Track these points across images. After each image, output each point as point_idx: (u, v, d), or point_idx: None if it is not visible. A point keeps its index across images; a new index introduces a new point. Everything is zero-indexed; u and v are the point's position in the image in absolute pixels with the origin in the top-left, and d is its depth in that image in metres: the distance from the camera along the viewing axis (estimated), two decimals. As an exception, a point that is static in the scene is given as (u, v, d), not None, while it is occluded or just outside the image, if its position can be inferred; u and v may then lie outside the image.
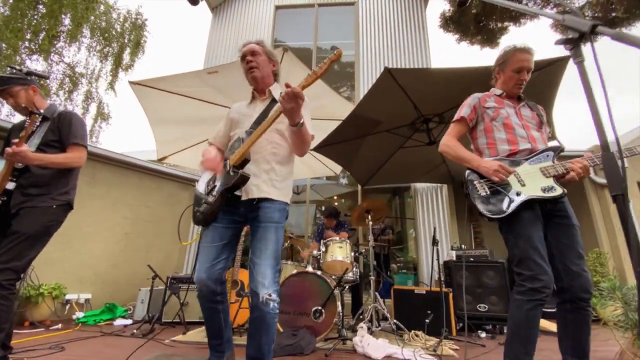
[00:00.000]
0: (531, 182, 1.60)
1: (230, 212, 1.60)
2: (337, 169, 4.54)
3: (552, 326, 3.64)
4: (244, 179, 1.50)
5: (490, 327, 3.44)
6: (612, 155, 0.70)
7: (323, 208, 8.12)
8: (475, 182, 1.71)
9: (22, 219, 1.79)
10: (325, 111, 3.65)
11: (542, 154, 1.66)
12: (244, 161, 1.52)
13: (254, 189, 1.55)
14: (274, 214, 1.55)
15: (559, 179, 1.58)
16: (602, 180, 4.69)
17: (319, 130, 3.78)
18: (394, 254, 6.04)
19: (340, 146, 3.83)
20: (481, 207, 1.66)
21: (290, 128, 1.46)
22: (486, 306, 3.44)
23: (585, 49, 0.83)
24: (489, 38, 6.61)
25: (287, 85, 1.30)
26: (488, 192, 1.66)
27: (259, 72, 1.69)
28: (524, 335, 1.52)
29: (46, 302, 3.28)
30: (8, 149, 1.71)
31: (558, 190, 1.54)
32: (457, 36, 6.56)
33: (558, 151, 1.67)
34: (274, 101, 1.68)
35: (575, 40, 0.81)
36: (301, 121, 1.41)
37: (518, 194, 1.58)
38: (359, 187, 5.42)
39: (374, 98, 3.15)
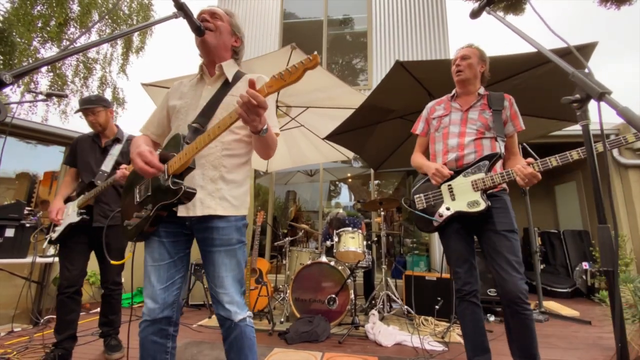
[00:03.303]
0: (461, 196, 1.69)
1: (175, 223, 1.26)
2: (350, 153, 4.54)
3: (561, 309, 3.73)
4: (189, 196, 1.15)
5: (500, 310, 3.57)
6: (606, 230, 0.71)
7: (337, 184, 8.24)
8: (415, 197, 1.86)
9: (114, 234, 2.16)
10: (335, 101, 3.62)
11: (479, 164, 1.68)
12: (187, 169, 1.16)
13: (198, 204, 1.21)
14: (232, 235, 1.25)
15: (490, 190, 1.65)
16: (626, 160, 4.51)
17: (329, 119, 3.79)
18: (407, 228, 6.16)
19: (352, 134, 3.81)
20: (416, 222, 1.86)
21: (251, 134, 1.17)
22: (496, 291, 3.54)
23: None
24: (514, 4, 6.13)
25: (250, 90, 0.98)
26: (424, 206, 1.80)
27: (213, 35, 1.29)
28: (463, 330, 1.75)
29: (84, 288, 3.57)
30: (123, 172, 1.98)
31: (481, 206, 1.61)
32: (477, 4, 6.10)
33: (494, 159, 1.66)
34: (227, 84, 1.32)
35: (583, 100, 0.79)
36: (265, 127, 1.09)
37: (448, 209, 1.71)
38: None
39: (386, 89, 3.08)
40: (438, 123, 1.89)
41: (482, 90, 1.84)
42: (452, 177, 1.74)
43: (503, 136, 1.73)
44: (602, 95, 0.72)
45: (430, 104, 2.01)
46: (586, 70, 0.79)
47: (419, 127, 2.03)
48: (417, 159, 1.98)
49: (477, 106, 1.81)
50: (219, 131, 1.10)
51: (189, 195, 1.16)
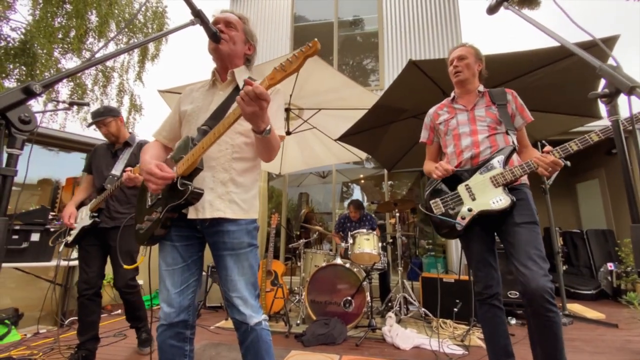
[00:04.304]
0: (481, 195, 1.60)
1: (187, 227, 1.27)
2: (362, 154, 4.52)
3: (586, 311, 3.60)
4: (197, 196, 1.17)
5: (521, 313, 3.47)
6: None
7: (349, 185, 8.22)
8: (431, 202, 1.76)
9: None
10: (347, 102, 3.61)
11: (494, 160, 1.61)
12: (195, 170, 1.17)
13: (207, 207, 1.21)
14: (243, 239, 1.25)
15: (511, 183, 1.57)
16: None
17: (342, 120, 3.78)
18: (422, 229, 6.08)
19: (365, 134, 3.79)
20: (437, 227, 1.75)
21: (253, 134, 1.12)
22: (517, 293, 3.44)
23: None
24: (528, -2, 5.99)
25: (248, 83, 0.97)
26: (443, 211, 1.70)
27: (227, 45, 1.31)
28: (485, 334, 1.70)
29: (106, 290, 3.69)
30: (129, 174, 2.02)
31: (505, 202, 1.52)
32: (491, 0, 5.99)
33: (509, 153, 1.60)
34: (237, 90, 1.31)
35: (612, 94, 0.76)
36: (267, 128, 1.08)
37: (469, 210, 1.61)
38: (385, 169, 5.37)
39: (399, 89, 3.05)
40: (445, 127, 1.83)
41: (481, 88, 1.81)
42: (467, 177, 1.67)
43: (514, 129, 1.69)
44: (632, 89, 0.69)
45: (431, 111, 1.96)
46: (614, 63, 0.76)
47: (423, 136, 2.00)
48: (427, 165, 1.93)
49: (482, 103, 1.77)
50: (223, 129, 1.10)
51: (197, 196, 1.17)
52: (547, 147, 1.49)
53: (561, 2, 1.07)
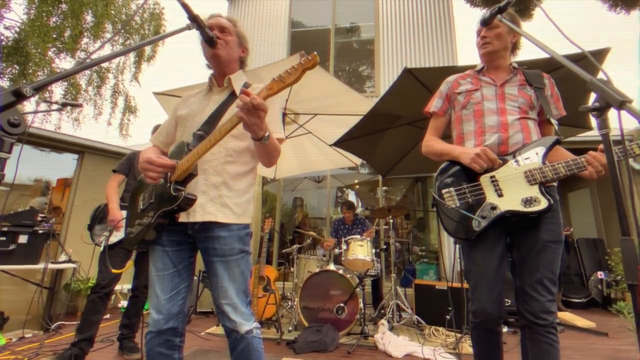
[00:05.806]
0: (511, 192, 1.31)
1: (178, 232, 1.25)
2: (358, 160, 4.54)
3: (577, 320, 3.62)
4: (189, 202, 1.16)
5: (513, 321, 3.48)
6: (630, 242, 0.69)
7: (344, 190, 8.23)
8: (443, 191, 1.41)
9: None
10: (343, 108, 3.63)
11: (531, 151, 1.33)
12: (189, 176, 1.17)
13: (198, 210, 1.20)
14: (234, 245, 1.22)
15: (549, 183, 1.29)
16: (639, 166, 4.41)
17: (337, 126, 3.80)
18: (416, 235, 6.10)
19: (360, 140, 3.80)
20: (447, 224, 1.41)
21: (252, 141, 1.13)
22: (509, 301, 3.45)
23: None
24: (522, 10, 6.10)
25: (245, 92, 0.97)
26: (458, 204, 1.38)
27: (225, 50, 1.32)
28: (475, 353, 1.46)
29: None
30: None
31: (542, 204, 1.25)
32: (488, 12, 6.09)
33: (552, 145, 1.33)
34: (233, 95, 1.32)
35: (602, 108, 0.78)
36: (266, 135, 1.08)
37: (493, 208, 1.31)
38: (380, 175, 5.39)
39: (394, 96, 3.08)
40: (466, 99, 1.50)
41: (515, 64, 1.52)
42: (495, 166, 1.36)
43: (553, 117, 1.42)
44: (622, 103, 0.70)
45: (450, 78, 1.61)
46: (604, 78, 0.78)
47: (435, 104, 1.61)
48: (437, 144, 1.54)
49: (515, 81, 1.47)
50: (219, 136, 1.09)
51: (189, 202, 1.16)
52: (602, 146, 1.31)
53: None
